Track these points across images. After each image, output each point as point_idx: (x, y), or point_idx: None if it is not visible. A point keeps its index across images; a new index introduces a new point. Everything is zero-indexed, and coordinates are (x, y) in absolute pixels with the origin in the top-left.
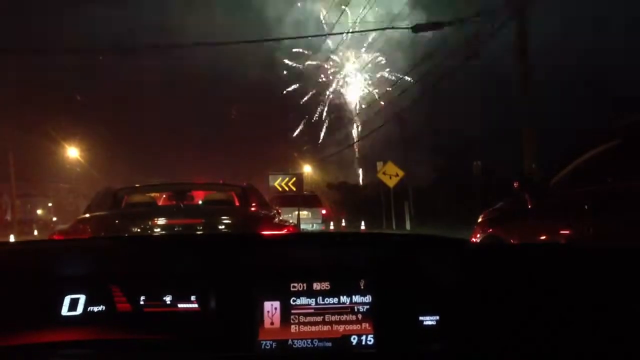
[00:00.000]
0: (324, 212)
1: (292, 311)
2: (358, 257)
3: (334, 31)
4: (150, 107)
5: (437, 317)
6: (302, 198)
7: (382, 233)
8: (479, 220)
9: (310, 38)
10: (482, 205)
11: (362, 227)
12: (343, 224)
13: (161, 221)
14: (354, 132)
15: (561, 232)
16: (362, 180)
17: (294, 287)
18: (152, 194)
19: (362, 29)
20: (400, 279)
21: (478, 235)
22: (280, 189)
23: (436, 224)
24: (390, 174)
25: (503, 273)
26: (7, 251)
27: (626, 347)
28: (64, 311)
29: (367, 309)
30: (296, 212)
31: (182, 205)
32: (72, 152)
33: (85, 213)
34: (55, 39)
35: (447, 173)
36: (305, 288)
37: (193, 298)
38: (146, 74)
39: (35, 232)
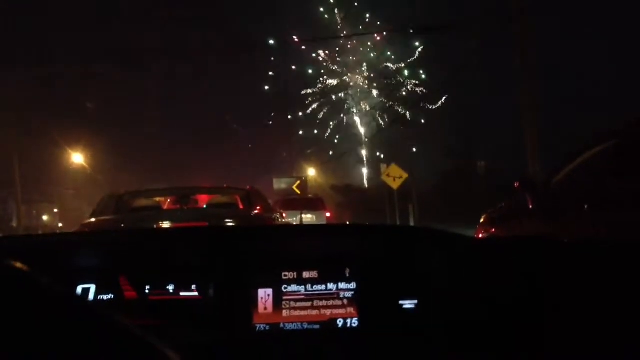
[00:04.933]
0: (328, 215)
1: (284, 297)
2: (344, 248)
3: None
4: (155, 113)
5: (416, 301)
6: (306, 201)
7: (365, 225)
8: (481, 220)
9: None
10: (486, 206)
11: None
12: None
13: (166, 225)
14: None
15: (561, 232)
16: (367, 182)
17: (285, 275)
18: (157, 198)
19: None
20: (382, 267)
21: (480, 235)
22: (284, 192)
23: (441, 224)
24: (394, 176)
25: (477, 262)
26: (24, 245)
27: (608, 342)
28: None
29: (352, 294)
30: (300, 216)
31: (186, 209)
32: (77, 158)
33: (90, 218)
34: (59, 47)
35: (452, 174)
36: (295, 276)
37: (194, 287)
38: (150, 79)
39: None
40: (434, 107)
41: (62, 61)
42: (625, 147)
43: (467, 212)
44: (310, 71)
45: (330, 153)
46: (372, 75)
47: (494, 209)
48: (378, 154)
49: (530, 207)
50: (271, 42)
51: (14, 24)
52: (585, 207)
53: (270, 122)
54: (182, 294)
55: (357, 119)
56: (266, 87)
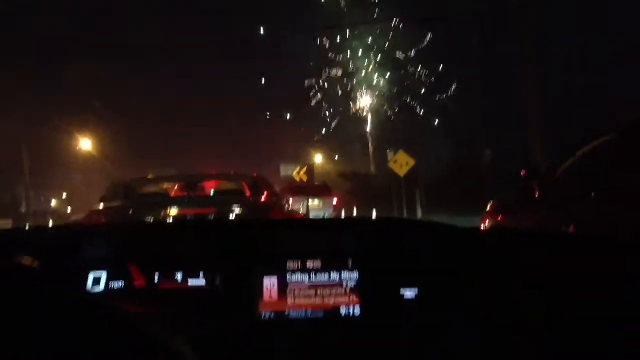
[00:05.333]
0: (335, 201)
1: (289, 286)
2: (347, 239)
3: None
4: (163, 99)
5: (416, 291)
6: (313, 188)
7: (367, 217)
8: (487, 209)
9: None
10: (493, 194)
11: (374, 216)
12: (355, 213)
13: (173, 211)
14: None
15: (566, 221)
16: (375, 169)
17: (290, 265)
18: (164, 185)
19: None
20: (384, 258)
21: (486, 223)
22: (291, 179)
23: (448, 212)
24: (402, 163)
25: (477, 253)
26: (40, 236)
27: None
28: (89, 287)
29: (354, 284)
30: (307, 202)
31: (193, 196)
32: (85, 144)
33: (99, 204)
34: (63, 35)
35: (459, 161)
36: (300, 266)
37: (201, 276)
38: (158, 66)
39: (51, 224)
40: (441, 98)
41: (68, 51)
42: (631, 137)
43: (474, 200)
44: (311, 63)
45: (338, 140)
46: (378, 62)
47: (500, 197)
48: (386, 143)
49: (537, 196)
50: (277, 31)
51: (19, 14)
52: (592, 196)
53: (268, 114)
54: (190, 282)
55: (364, 104)
56: (262, 80)
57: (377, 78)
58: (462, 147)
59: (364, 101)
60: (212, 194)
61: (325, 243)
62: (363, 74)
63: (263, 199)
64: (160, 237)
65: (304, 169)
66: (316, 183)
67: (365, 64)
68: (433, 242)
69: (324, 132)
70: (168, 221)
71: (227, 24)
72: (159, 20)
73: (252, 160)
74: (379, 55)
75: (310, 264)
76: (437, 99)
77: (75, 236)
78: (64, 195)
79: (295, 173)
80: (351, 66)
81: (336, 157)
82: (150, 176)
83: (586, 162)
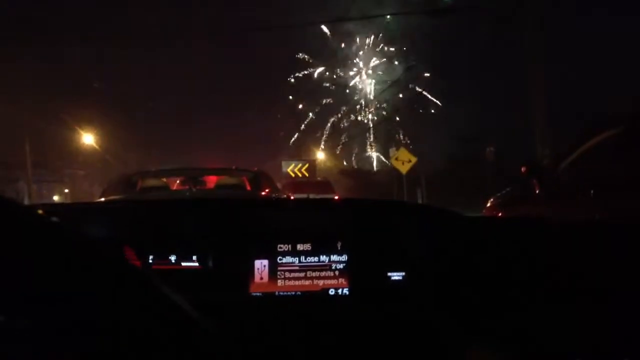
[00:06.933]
0: (336, 198)
1: (279, 268)
2: (336, 221)
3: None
4: (165, 94)
5: (403, 273)
6: (314, 184)
7: (356, 199)
8: (488, 205)
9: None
10: (494, 191)
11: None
12: None
13: None
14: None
15: (566, 217)
16: (376, 166)
17: (280, 247)
18: (166, 179)
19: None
20: (372, 240)
21: None
22: (293, 175)
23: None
24: (403, 160)
25: (457, 238)
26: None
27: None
28: None
29: (343, 266)
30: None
31: (194, 190)
32: (88, 139)
33: (100, 197)
34: (70, 26)
35: (461, 159)
36: (290, 248)
37: (194, 258)
38: (162, 61)
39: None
40: (439, 102)
41: (70, 42)
42: (631, 133)
43: (476, 197)
44: (316, 66)
45: (342, 138)
46: (381, 56)
47: (501, 193)
48: (390, 138)
49: (537, 192)
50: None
51: (23, 4)
52: (591, 192)
53: (279, 116)
54: (183, 264)
55: (366, 100)
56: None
57: (380, 73)
58: (465, 144)
59: (367, 96)
60: (213, 188)
61: (315, 225)
62: (366, 69)
63: (264, 193)
64: (154, 219)
65: (305, 165)
66: (318, 179)
67: (369, 58)
68: (421, 224)
69: (326, 120)
70: (161, 204)
71: (229, 19)
72: (157, 21)
73: (254, 157)
74: (381, 49)
75: (300, 247)
76: (435, 104)
77: (70, 217)
78: (66, 190)
79: (289, 169)
80: (356, 59)
81: (337, 153)
82: (151, 170)
83: (586, 159)
